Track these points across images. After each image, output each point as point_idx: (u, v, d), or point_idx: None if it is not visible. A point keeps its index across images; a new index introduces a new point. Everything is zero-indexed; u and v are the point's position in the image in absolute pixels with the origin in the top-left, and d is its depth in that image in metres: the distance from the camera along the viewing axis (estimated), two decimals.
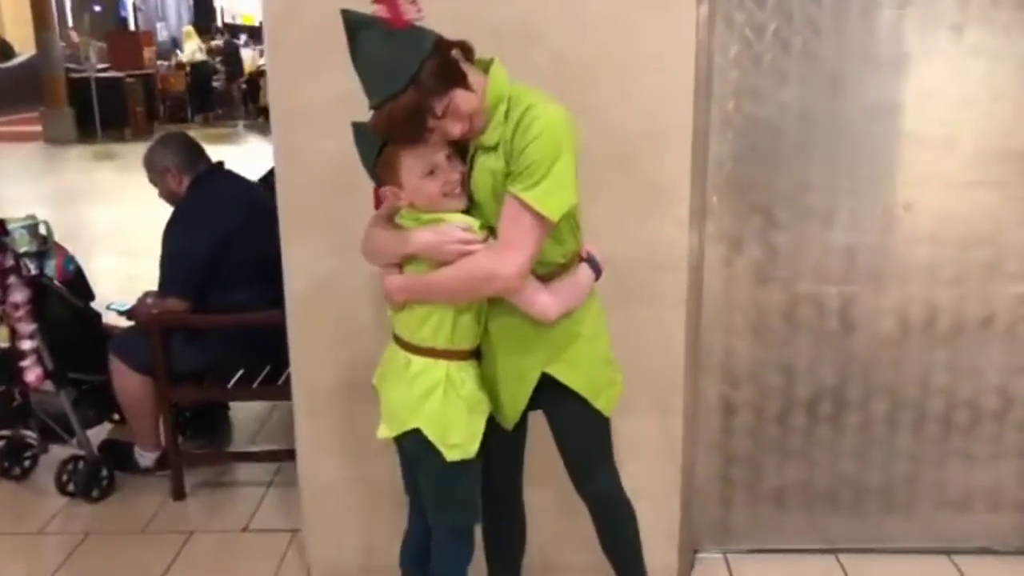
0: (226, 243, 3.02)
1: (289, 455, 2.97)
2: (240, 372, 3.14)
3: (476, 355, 1.95)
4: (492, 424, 1.97)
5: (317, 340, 2.50)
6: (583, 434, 2.01)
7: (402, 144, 1.77)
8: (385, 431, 1.99)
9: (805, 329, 2.60)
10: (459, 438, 1.90)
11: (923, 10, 2.39)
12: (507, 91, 1.79)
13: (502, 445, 2.03)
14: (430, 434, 1.88)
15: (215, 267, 3.02)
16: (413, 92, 1.66)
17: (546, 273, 1.86)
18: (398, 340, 1.96)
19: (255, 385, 3.06)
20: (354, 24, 1.74)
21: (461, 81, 1.72)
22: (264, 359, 3.16)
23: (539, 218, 1.74)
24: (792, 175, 2.50)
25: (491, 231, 1.83)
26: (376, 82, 1.70)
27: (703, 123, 2.37)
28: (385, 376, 1.99)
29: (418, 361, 1.90)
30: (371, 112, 1.74)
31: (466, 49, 1.77)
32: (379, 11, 1.72)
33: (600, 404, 1.97)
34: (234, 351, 3.11)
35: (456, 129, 1.74)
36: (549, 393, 1.94)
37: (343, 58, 2.19)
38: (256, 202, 3.23)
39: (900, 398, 2.65)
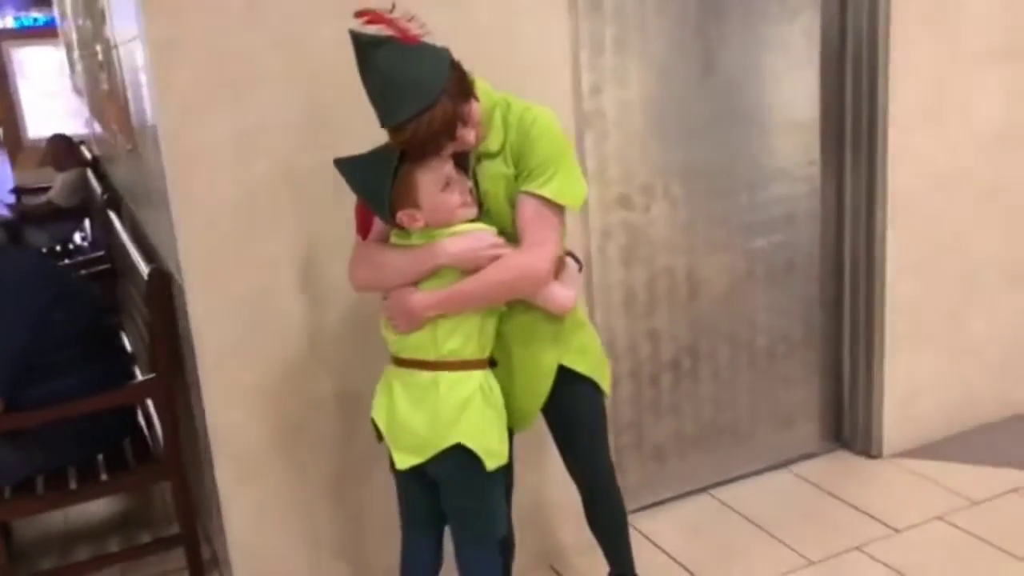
0: (40, 325, 2.58)
1: (178, 540, 2.66)
2: (71, 469, 2.70)
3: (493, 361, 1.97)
4: None
5: (236, 400, 2.28)
6: (593, 416, 2.12)
7: (424, 157, 1.76)
8: (408, 460, 1.93)
9: (663, 298, 2.94)
10: (497, 444, 1.91)
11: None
12: (496, 98, 1.87)
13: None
14: (474, 445, 1.87)
15: (32, 356, 2.57)
16: (447, 102, 1.68)
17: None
18: (411, 363, 1.91)
19: (104, 477, 2.64)
20: (367, 44, 1.70)
21: (473, 90, 1.76)
22: (95, 448, 2.76)
23: (559, 211, 1.84)
24: (644, 163, 2.80)
25: (504, 235, 1.88)
26: (405, 97, 1.68)
27: (580, 125, 2.58)
28: (396, 405, 1.93)
29: (448, 376, 1.88)
30: (390, 131, 1.71)
31: None
32: (383, 29, 1.70)
33: (604, 385, 2.10)
34: (66, 446, 2.66)
35: (472, 136, 1.78)
36: (561, 383, 2.02)
37: (233, 95, 2.09)
38: (56, 271, 2.80)
39: (737, 342, 3.09)
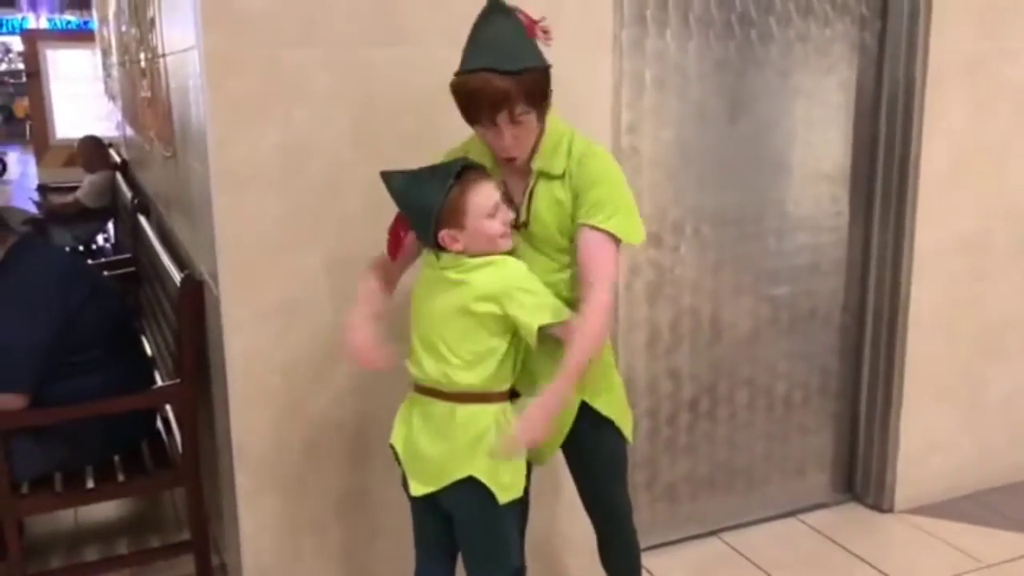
0: (73, 322, 2.60)
1: (188, 547, 2.67)
2: (89, 468, 2.71)
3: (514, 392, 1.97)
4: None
5: (261, 410, 2.30)
6: (613, 457, 2.12)
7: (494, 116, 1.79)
8: (422, 488, 1.94)
9: (686, 338, 2.95)
10: (510, 478, 1.91)
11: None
12: (564, 128, 1.93)
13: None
14: (486, 479, 1.87)
15: (62, 353, 2.59)
16: (548, 72, 1.83)
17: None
18: (430, 391, 1.92)
19: (122, 479, 2.65)
20: (497, 5, 1.81)
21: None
22: (114, 448, 2.77)
23: (618, 245, 1.87)
24: (676, 203, 2.83)
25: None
26: (516, 51, 1.78)
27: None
28: (414, 433, 1.94)
29: (464, 409, 1.89)
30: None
31: None
32: (520, 14, 1.84)
33: (626, 432, 2.09)
34: (87, 444, 2.68)
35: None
36: (583, 422, 2.01)
37: (284, 110, 2.13)
38: (90, 271, 2.83)
39: (755, 387, 3.10)
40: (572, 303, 1.91)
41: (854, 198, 3.10)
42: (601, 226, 1.85)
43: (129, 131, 5.33)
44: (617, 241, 1.86)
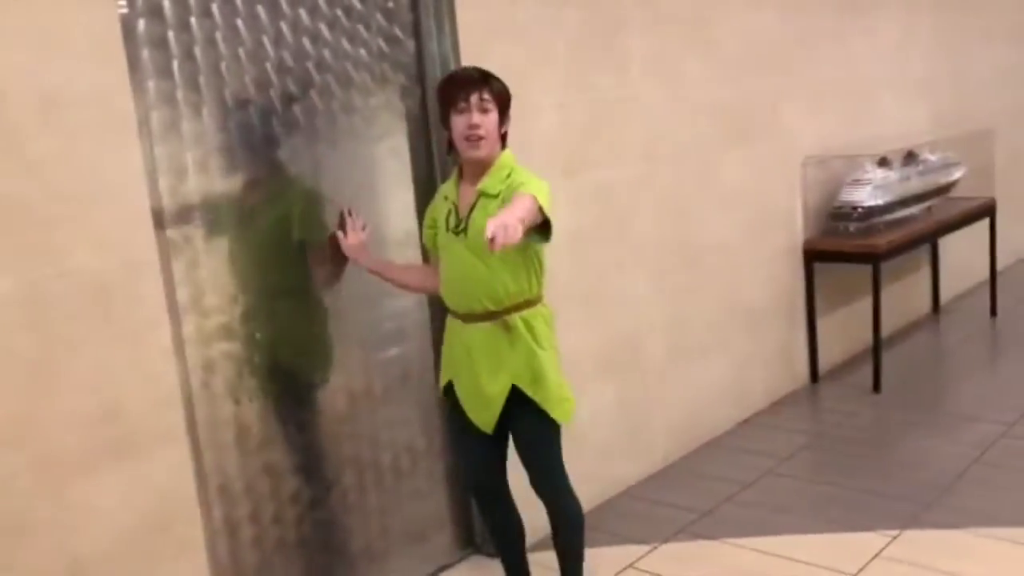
0: None
1: None
2: None
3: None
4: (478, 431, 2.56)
5: None
6: (541, 440, 2.53)
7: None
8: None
9: (277, 428, 2.78)
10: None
11: None
12: (512, 163, 2.51)
13: (487, 447, 2.61)
14: None
15: None
16: (509, 91, 2.57)
17: (512, 305, 2.45)
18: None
19: None
20: None
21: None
22: None
23: (532, 201, 2.29)
24: (244, 289, 2.66)
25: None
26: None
27: (165, 255, 2.40)
28: None
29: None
30: None
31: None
32: None
33: (557, 415, 2.49)
34: None
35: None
36: (516, 407, 2.47)
37: None
38: None
39: (361, 463, 3.01)
40: (502, 299, 2.44)
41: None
42: (528, 192, 2.30)
43: None
44: (537, 207, 2.29)
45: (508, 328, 2.44)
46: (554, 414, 2.50)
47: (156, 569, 2.35)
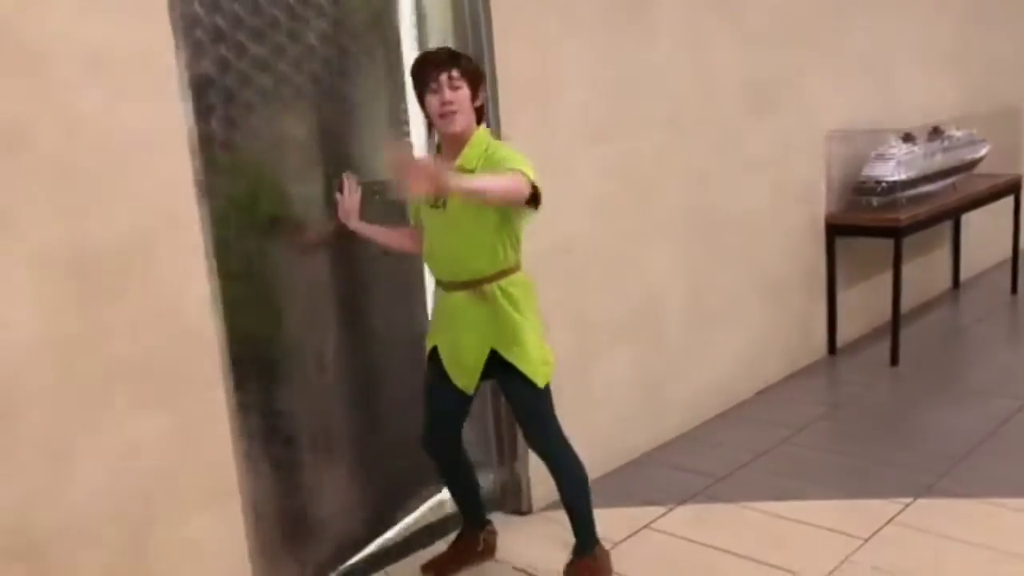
0: None
1: None
2: None
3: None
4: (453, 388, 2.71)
5: None
6: (526, 404, 2.68)
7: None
8: None
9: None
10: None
11: None
12: (490, 140, 2.60)
13: (456, 403, 2.77)
14: None
15: None
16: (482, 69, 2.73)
17: (490, 275, 2.57)
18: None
19: None
20: None
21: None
22: None
23: (521, 177, 2.41)
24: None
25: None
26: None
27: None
28: None
29: None
30: None
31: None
32: None
33: (535, 378, 2.61)
34: None
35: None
36: (499, 368, 2.62)
37: None
38: None
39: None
40: (480, 269, 2.57)
41: None
42: (515, 168, 2.42)
43: None
44: (520, 171, 2.41)
45: (485, 296, 2.59)
46: (532, 377, 2.61)
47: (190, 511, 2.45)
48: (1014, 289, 5.96)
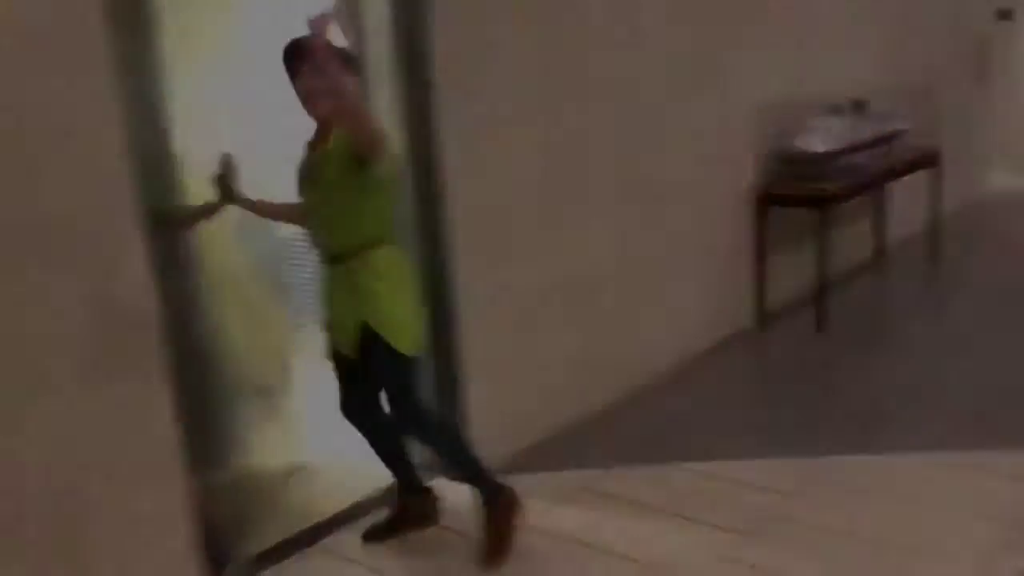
0: None
1: None
2: None
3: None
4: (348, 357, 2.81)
5: None
6: (382, 366, 2.74)
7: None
8: None
9: None
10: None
11: None
12: None
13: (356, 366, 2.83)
14: None
15: None
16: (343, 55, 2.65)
17: (357, 246, 2.68)
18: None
19: None
20: None
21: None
22: None
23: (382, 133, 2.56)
24: None
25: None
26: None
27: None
28: None
29: None
30: None
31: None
32: None
33: (398, 345, 2.70)
34: None
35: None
36: (371, 337, 2.70)
37: None
38: None
39: None
40: (349, 242, 2.69)
41: None
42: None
43: None
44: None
45: (349, 268, 2.71)
46: (395, 344, 2.72)
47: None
48: (935, 256, 6.21)
